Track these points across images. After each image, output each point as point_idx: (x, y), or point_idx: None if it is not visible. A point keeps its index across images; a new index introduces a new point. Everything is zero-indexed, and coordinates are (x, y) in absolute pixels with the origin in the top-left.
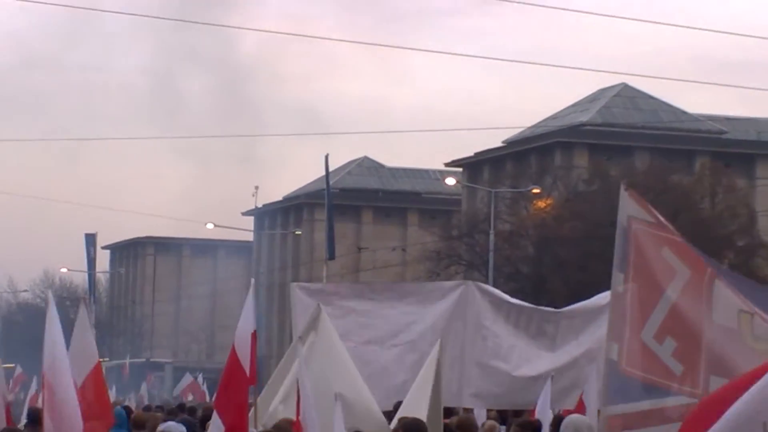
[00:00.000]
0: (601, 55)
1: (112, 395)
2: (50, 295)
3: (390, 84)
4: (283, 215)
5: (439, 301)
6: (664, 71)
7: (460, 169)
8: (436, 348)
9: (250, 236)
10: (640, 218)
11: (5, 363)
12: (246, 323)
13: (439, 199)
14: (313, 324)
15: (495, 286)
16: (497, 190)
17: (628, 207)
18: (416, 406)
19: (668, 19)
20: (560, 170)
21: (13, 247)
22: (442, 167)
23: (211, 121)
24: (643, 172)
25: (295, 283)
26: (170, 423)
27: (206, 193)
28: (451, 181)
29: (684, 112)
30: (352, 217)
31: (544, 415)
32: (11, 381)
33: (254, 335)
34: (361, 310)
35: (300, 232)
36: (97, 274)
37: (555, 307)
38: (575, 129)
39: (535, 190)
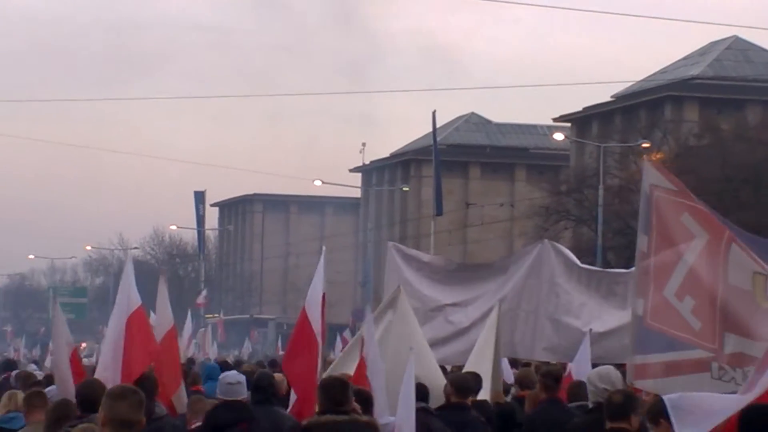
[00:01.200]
0: (712, 8)
1: (214, 351)
2: (129, 254)
3: (498, 39)
4: (391, 171)
5: (518, 262)
6: None
7: (569, 124)
8: (496, 308)
9: (357, 193)
10: (662, 186)
11: None
12: (316, 288)
13: (547, 155)
14: (392, 303)
15: (604, 241)
16: (606, 144)
17: (651, 176)
18: (479, 362)
19: None
20: (670, 124)
21: (124, 205)
22: (550, 122)
23: (318, 78)
24: (754, 126)
25: (392, 243)
26: (230, 372)
27: (314, 150)
28: (559, 136)
29: None
30: (460, 173)
31: (581, 368)
32: None
33: (323, 298)
34: (453, 278)
35: (407, 189)
36: (206, 231)
37: None
38: (685, 82)
39: (644, 145)
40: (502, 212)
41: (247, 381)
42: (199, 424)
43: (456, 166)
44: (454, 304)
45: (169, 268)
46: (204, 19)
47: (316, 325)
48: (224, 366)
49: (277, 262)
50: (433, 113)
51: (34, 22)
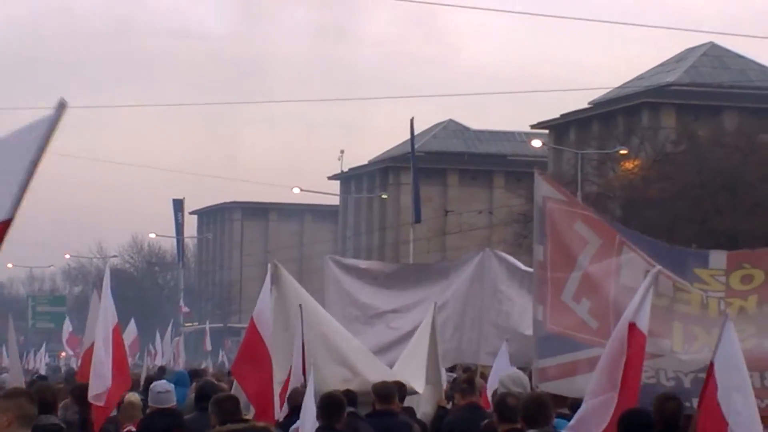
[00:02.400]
0: (688, 14)
1: (182, 362)
2: (108, 263)
3: (474, 46)
4: (369, 179)
5: (459, 269)
6: (753, 29)
7: (546, 131)
8: (431, 311)
9: (336, 200)
10: (554, 197)
11: None
12: (264, 300)
13: (525, 162)
14: (274, 279)
15: None
16: (584, 151)
17: (542, 188)
18: (408, 364)
19: None
20: (647, 131)
21: (103, 213)
22: (528, 129)
23: (296, 85)
24: (731, 132)
25: (329, 255)
26: (160, 381)
27: (292, 158)
28: (537, 143)
29: None
30: (438, 181)
31: (500, 371)
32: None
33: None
34: (392, 282)
35: (386, 196)
36: (185, 239)
37: None
38: (662, 89)
39: (622, 152)
40: (480, 219)
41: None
42: (130, 428)
43: (434, 174)
44: (394, 311)
45: (148, 277)
46: (184, 27)
47: (267, 337)
48: (195, 374)
49: (256, 269)
50: (411, 120)
51: (15, 28)
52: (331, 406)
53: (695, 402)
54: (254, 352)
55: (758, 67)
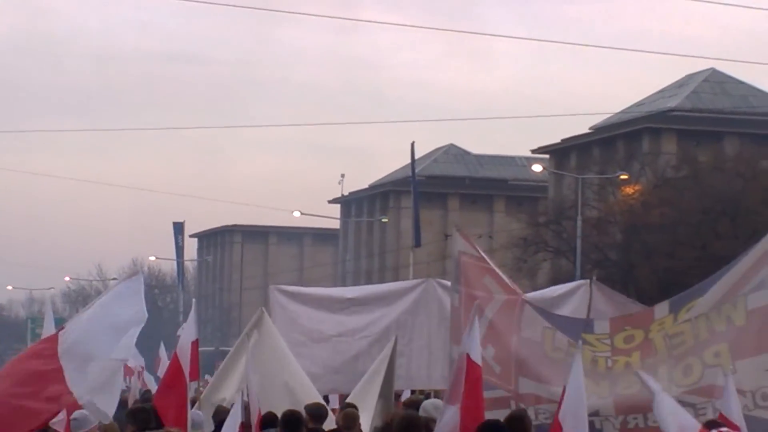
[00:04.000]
0: (689, 40)
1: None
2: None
3: (476, 71)
4: (370, 203)
5: (403, 297)
6: (754, 55)
7: (547, 156)
8: (391, 343)
9: (336, 224)
10: (467, 252)
11: None
12: (188, 333)
13: (525, 186)
14: (257, 324)
15: (582, 272)
16: (584, 176)
17: (459, 244)
18: (367, 391)
19: (757, 2)
20: (648, 156)
21: (103, 235)
22: (529, 154)
23: (297, 108)
24: (732, 158)
25: (273, 286)
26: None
27: (293, 182)
28: (537, 167)
29: None
30: (439, 205)
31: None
32: None
33: (195, 343)
34: (336, 307)
35: (386, 220)
36: (185, 262)
37: (643, 296)
38: (663, 115)
39: (622, 177)
40: (480, 243)
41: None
42: None
43: (435, 198)
44: (339, 335)
45: (148, 299)
46: (184, 51)
47: (186, 368)
48: None
49: (256, 293)
50: (412, 144)
51: (6, 52)
52: (292, 422)
53: None
54: (175, 383)
55: (759, 93)
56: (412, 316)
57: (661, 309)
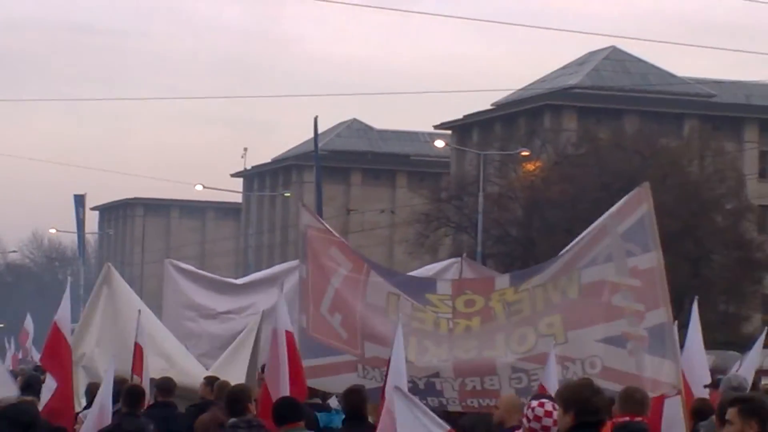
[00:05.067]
0: (591, 18)
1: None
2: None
3: (379, 46)
4: (272, 177)
5: (289, 275)
6: (654, 34)
7: (449, 132)
8: (258, 316)
9: (239, 198)
10: (314, 226)
11: None
12: (64, 310)
13: (428, 162)
14: (106, 279)
15: (483, 248)
16: (486, 152)
17: (305, 218)
18: (229, 362)
19: None
20: (549, 133)
21: (2, 207)
22: (432, 130)
23: (200, 82)
24: (631, 135)
25: (168, 260)
26: None
27: (196, 155)
28: (440, 143)
29: (673, 76)
30: (341, 179)
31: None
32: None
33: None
34: (226, 288)
35: (289, 194)
36: (86, 235)
37: None
38: (564, 92)
39: (523, 153)
40: (382, 219)
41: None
42: None
43: (337, 172)
44: (227, 312)
45: (48, 272)
46: (88, 22)
47: (68, 336)
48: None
49: (157, 266)
50: (315, 119)
51: None
52: (134, 395)
53: (429, 400)
54: (60, 349)
55: (659, 72)
56: (293, 294)
57: (502, 281)
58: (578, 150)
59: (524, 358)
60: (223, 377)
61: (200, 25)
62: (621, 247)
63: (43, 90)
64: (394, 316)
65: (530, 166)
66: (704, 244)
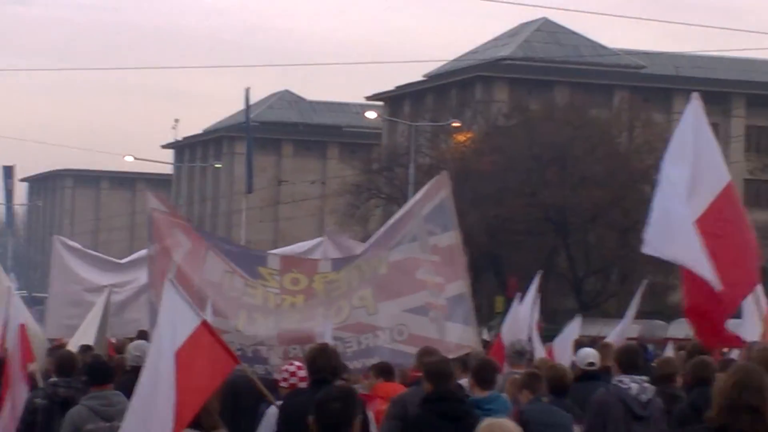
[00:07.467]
0: None
1: None
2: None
3: (311, 17)
4: (203, 148)
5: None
6: (586, 5)
7: (381, 103)
8: (107, 292)
9: (169, 169)
10: (159, 209)
11: None
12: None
13: (359, 133)
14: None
15: None
16: (417, 123)
17: (151, 202)
18: (84, 334)
19: None
20: (480, 104)
21: None
22: (363, 101)
23: (130, 52)
24: (562, 106)
25: (56, 236)
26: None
27: (126, 126)
28: (371, 114)
29: (604, 47)
30: (272, 151)
31: None
32: None
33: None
34: (110, 266)
35: (220, 165)
36: (15, 207)
37: (470, 242)
38: (496, 63)
39: (455, 124)
40: (313, 190)
41: None
42: None
43: (269, 144)
44: (111, 286)
45: None
46: None
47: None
48: None
49: (86, 238)
50: (247, 90)
51: None
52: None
53: (257, 368)
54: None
55: (590, 44)
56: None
57: (325, 265)
58: (509, 121)
59: (340, 327)
60: (80, 343)
61: None
62: (423, 227)
63: None
64: (229, 291)
65: (461, 138)
66: (632, 214)
